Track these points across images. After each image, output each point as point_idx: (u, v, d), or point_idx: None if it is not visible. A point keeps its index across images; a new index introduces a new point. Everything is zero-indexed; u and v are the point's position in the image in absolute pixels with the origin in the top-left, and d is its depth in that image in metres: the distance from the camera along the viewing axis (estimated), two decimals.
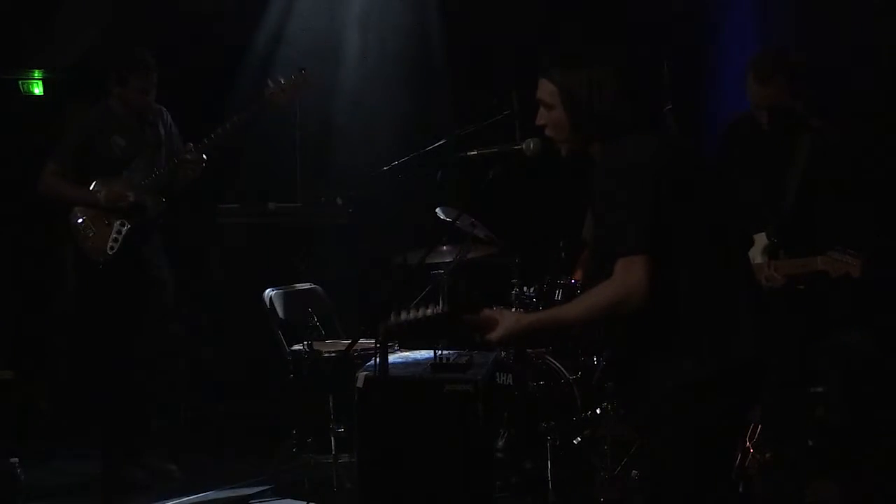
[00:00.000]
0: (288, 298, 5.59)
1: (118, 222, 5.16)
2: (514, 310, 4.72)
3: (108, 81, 5.24)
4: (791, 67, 4.32)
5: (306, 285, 5.78)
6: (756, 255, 4.25)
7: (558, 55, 3.01)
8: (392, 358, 4.71)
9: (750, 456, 4.65)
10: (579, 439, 4.97)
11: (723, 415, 2.85)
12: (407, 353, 4.86)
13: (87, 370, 5.52)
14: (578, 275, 5.26)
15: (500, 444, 4.84)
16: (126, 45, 5.44)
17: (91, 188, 5.17)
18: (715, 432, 2.85)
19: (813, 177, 4.29)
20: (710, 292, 2.83)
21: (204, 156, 5.18)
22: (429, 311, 2.95)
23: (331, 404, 5.01)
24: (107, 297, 5.17)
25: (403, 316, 2.98)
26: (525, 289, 5.15)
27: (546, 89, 2.99)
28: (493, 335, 2.93)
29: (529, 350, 5.16)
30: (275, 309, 5.48)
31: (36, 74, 6.70)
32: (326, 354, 5.17)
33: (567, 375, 5.06)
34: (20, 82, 6.70)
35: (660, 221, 2.79)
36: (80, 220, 5.18)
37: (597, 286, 2.84)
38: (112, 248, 5.14)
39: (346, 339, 5.44)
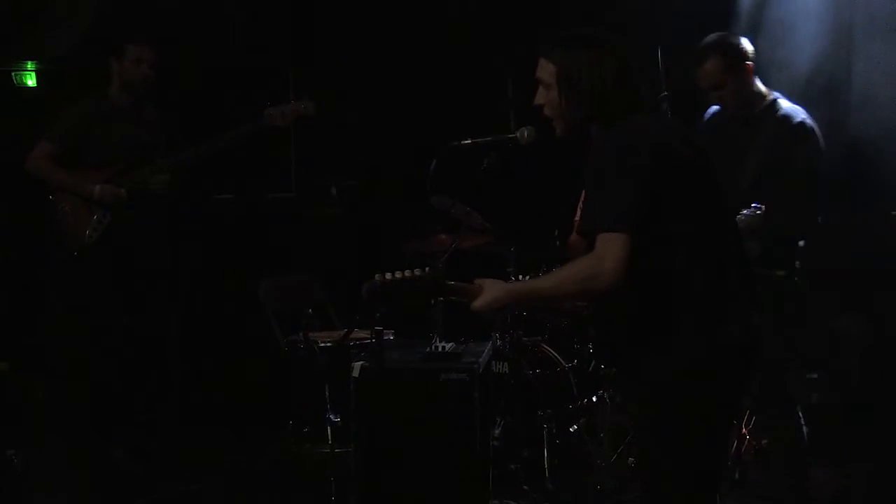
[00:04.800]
0: (283, 288, 5.58)
1: (101, 213, 5.14)
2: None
3: (107, 63, 5.21)
4: (726, 49, 4.34)
5: (301, 275, 5.78)
6: None
7: (559, 36, 3.01)
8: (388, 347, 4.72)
9: (746, 443, 4.66)
10: (576, 427, 4.98)
11: (715, 401, 2.84)
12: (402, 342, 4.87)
13: (68, 360, 5.49)
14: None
15: (497, 432, 4.84)
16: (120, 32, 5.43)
17: (83, 177, 5.14)
18: (707, 418, 2.84)
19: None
20: (701, 277, 2.81)
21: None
22: (416, 272, 2.94)
23: (327, 394, 5.02)
24: (82, 285, 5.16)
25: (388, 276, 2.97)
26: (521, 277, 5.14)
27: (545, 69, 2.98)
28: (476, 303, 2.91)
29: (525, 338, 5.16)
30: (270, 299, 5.48)
31: (29, 66, 6.67)
32: (322, 344, 5.17)
33: (563, 363, 5.06)
34: (13, 74, 6.68)
35: (652, 205, 2.76)
36: (61, 205, 5.16)
37: (574, 260, 2.82)
38: (91, 236, 5.13)
39: (342, 328, 5.44)
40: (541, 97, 3.02)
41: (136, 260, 5.28)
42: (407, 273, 2.97)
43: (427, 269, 2.95)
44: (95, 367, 5.20)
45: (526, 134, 4.22)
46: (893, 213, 5.17)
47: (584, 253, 2.84)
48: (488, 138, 4.22)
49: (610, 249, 2.71)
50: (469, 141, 4.25)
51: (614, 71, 2.91)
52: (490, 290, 2.91)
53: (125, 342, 5.23)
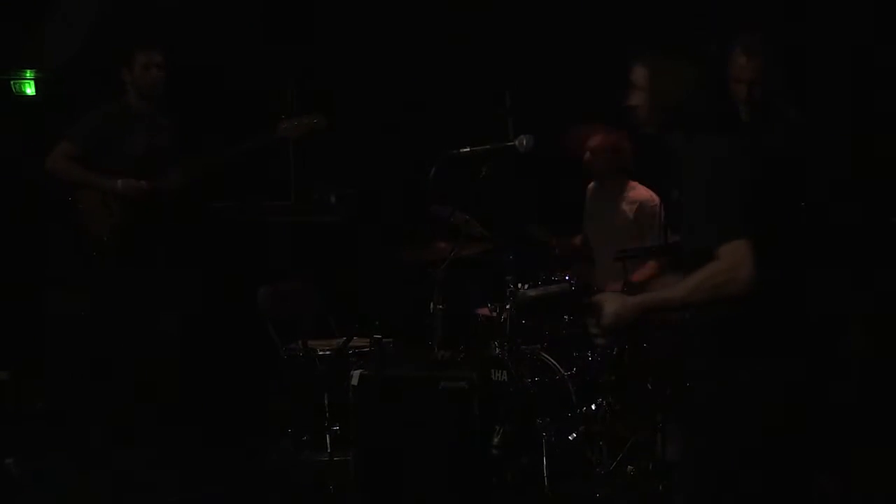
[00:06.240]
0: (282, 296, 5.58)
1: (119, 213, 5.14)
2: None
3: (118, 71, 5.22)
4: (779, 48, 4.34)
5: (300, 283, 5.78)
6: None
7: (654, 42, 3.13)
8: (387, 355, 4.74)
9: None
10: (575, 435, 4.97)
11: (784, 422, 2.87)
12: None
13: (81, 363, 5.47)
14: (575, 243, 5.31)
15: (496, 440, 4.83)
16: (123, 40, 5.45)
17: (104, 176, 5.15)
18: (775, 440, 2.87)
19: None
20: (786, 296, 2.87)
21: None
22: (562, 286, 3.03)
23: (326, 402, 5.02)
24: (102, 286, 5.16)
25: (532, 291, 3.05)
26: (519, 285, 5.14)
27: (638, 73, 3.07)
28: (603, 321, 2.96)
29: (524, 346, 5.16)
30: (269, 307, 5.48)
31: (28, 74, 6.68)
32: (321, 352, 5.17)
33: (562, 371, 5.06)
34: (12, 82, 6.68)
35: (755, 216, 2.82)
36: (79, 206, 5.16)
37: (702, 268, 2.84)
38: (109, 237, 5.12)
39: (341, 336, 5.44)
40: (633, 99, 3.10)
41: (151, 260, 5.28)
42: (552, 288, 3.06)
43: (568, 284, 3.06)
44: (111, 370, 5.17)
45: (524, 142, 4.24)
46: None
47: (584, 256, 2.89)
48: (487, 146, 4.24)
49: (741, 256, 2.77)
50: (468, 149, 4.27)
51: (699, 83, 3.00)
52: (612, 305, 2.96)
53: (140, 345, 5.22)
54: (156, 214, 5.27)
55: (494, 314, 5.12)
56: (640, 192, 5.42)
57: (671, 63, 3.03)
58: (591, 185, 5.62)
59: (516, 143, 4.23)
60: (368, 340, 4.97)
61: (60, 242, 5.37)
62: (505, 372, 4.95)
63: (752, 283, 2.76)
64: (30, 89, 6.72)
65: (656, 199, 5.22)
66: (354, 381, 4.34)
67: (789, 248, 2.92)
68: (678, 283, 2.93)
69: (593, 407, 5.00)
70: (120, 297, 5.16)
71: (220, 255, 6.51)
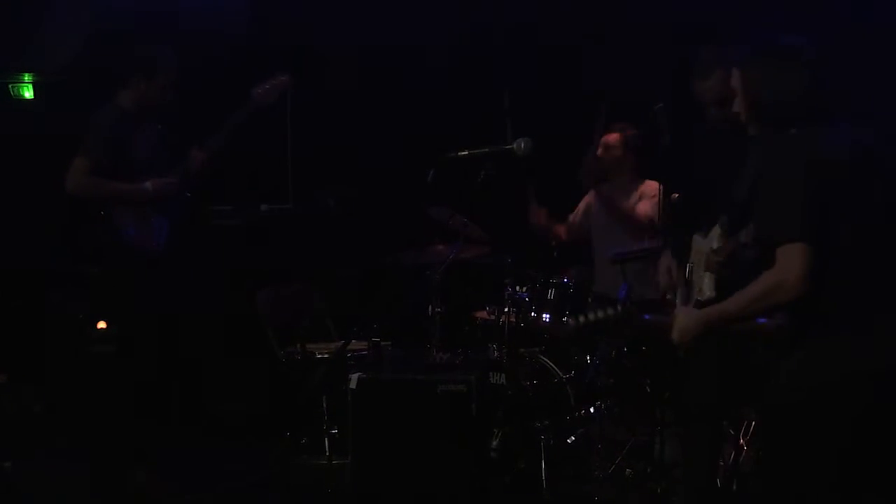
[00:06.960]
0: (280, 299, 5.58)
1: (156, 218, 5.10)
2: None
3: (128, 76, 5.15)
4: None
5: (298, 286, 5.78)
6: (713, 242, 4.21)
7: (750, 42, 3.11)
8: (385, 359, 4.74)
9: (744, 454, 4.66)
10: (573, 438, 4.97)
11: (859, 420, 2.82)
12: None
13: (120, 371, 5.40)
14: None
15: (494, 443, 4.84)
16: (136, 41, 5.38)
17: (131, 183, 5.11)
18: (847, 437, 2.83)
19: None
20: (866, 292, 2.83)
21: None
22: (608, 312, 3.09)
23: (324, 405, 5.01)
24: (156, 294, 5.07)
25: (582, 318, 3.07)
26: (517, 288, 5.14)
27: (735, 76, 3.09)
28: (673, 336, 3.02)
29: (523, 349, 5.17)
30: (268, 310, 5.48)
31: (26, 78, 6.68)
32: (319, 356, 5.17)
33: (560, 374, 5.06)
34: (10, 86, 6.68)
35: (821, 217, 2.79)
36: (118, 219, 5.08)
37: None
38: (157, 243, 5.07)
39: (339, 339, 5.44)
40: (735, 106, 3.10)
41: (193, 263, 5.25)
42: (600, 314, 3.12)
43: (619, 307, 3.11)
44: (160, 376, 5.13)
45: (522, 145, 4.24)
46: None
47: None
48: (485, 149, 4.24)
49: (793, 260, 2.76)
50: (466, 152, 4.27)
51: (795, 82, 2.96)
52: (680, 321, 3.02)
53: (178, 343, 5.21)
54: (187, 213, 5.23)
55: (493, 317, 5.12)
56: (645, 186, 5.41)
57: (764, 62, 3.01)
58: (593, 190, 5.61)
59: (514, 146, 4.23)
60: (367, 344, 4.97)
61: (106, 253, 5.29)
62: (503, 375, 4.96)
63: (802, 288, 2.74)
64: (28, 92, 6.72)
65: (656, 188, 5.19)
66: (353, 385, 4.34)
67: (867, 252, 2.86)
68: (737, 294, 2.92)
69: (591, 410, 5.00)
70: (185, 299, 5.11)
71: (218, 258, 6.51)
